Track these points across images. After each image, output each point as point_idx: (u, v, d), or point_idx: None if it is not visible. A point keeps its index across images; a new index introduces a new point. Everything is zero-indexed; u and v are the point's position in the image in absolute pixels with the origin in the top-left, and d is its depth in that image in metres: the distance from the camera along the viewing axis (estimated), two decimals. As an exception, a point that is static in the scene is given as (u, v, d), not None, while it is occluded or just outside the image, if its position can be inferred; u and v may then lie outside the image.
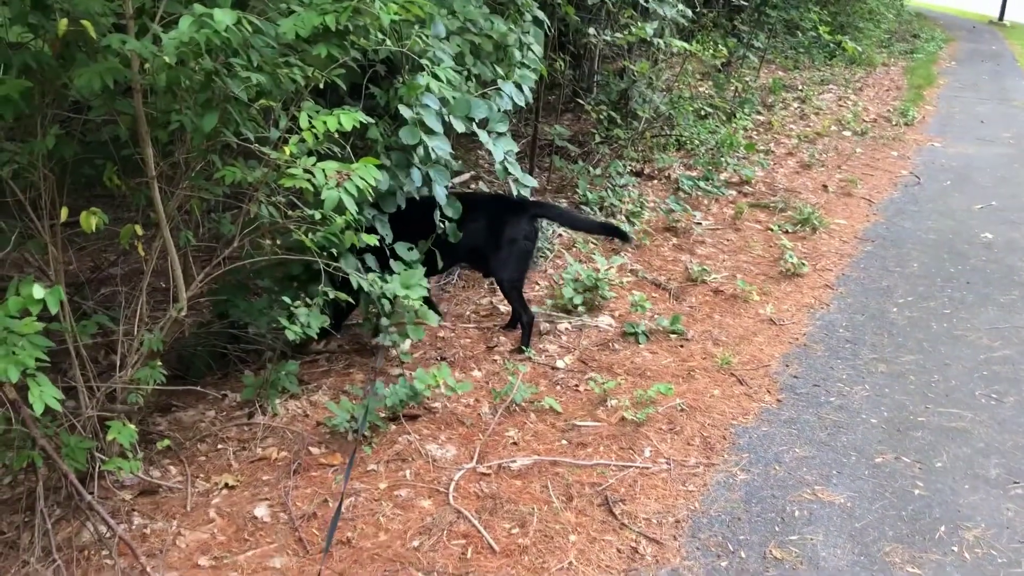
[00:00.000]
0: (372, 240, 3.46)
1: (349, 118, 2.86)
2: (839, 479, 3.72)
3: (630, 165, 8.20)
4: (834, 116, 11.52)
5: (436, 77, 3.67)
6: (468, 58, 4.90)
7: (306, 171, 2.84)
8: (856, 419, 4.21)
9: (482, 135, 4.49)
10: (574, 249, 6.29)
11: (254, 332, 4.37)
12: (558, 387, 4.45)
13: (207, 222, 3.66)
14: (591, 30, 6.73)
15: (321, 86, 3.35)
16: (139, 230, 3.38)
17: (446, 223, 4.62)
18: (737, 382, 4.54)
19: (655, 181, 8.18)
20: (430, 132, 4.19)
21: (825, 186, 8.36)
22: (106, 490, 3.52)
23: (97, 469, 3.40)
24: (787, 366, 4.75)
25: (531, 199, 4.99)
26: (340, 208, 2.95)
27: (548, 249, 6.23)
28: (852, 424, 4.16)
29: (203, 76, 2.88)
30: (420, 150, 4.14)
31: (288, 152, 2.90)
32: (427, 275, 4.59)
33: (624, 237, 5.33)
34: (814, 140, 10.15)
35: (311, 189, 2.88)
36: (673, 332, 5.05)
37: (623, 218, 6.96)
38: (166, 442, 3.56)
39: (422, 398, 4.11)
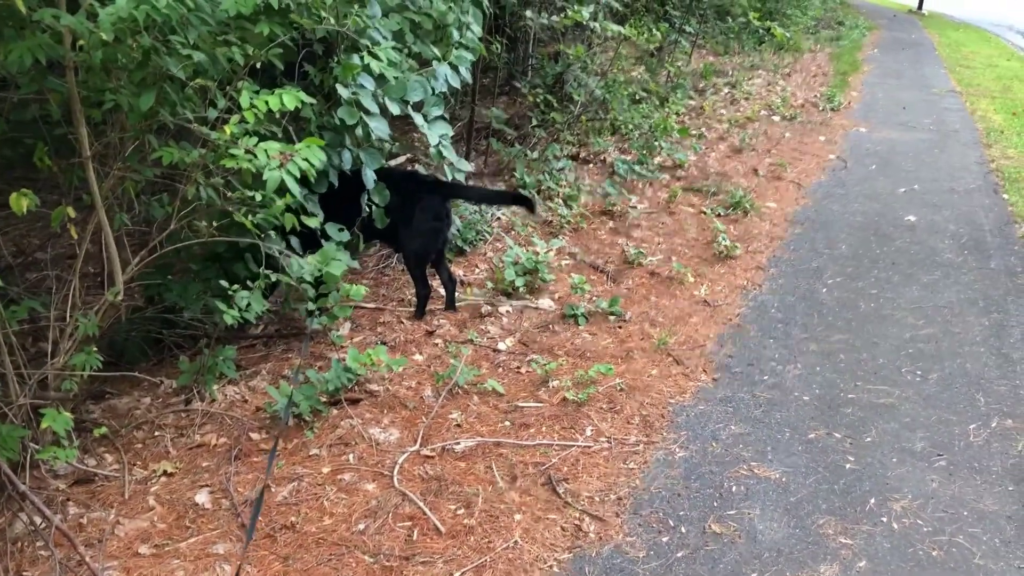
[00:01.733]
0: (314, 222, 3.42)
1: (292, 97, 2.82)
2: (774, 455, 3.82)
3: (566, 149, 8.23)
4: (763, 101, 11.72)
5: (375, 57, 3.63)
6: (408, 36, 4.86)
7: (247, 151, 2.80)
8: (789, 397, 4.32)
9: (417, 118, 4.47)
10: (513, 232, 6.31)
11: (189, 317, 4.29)
12: (500, 369, 4.48)
13: (140, 204, 3.57)
14: (527, 12, 6.74)
15: (258, 65, 3.30)
16: (71, 212, 3.29)
17: (372, 208, 4.60)
18: (674, 362, 4.61)
19: (591, 165, 8.24)
20: (367, 112, 4.16)
21: (756, 170, 8.52)
22: (39, 480, 3.44)
23: (29, 458, 3.32)
24: (722, 346, 4.85)
25: (444, 180, 5.00)
26: (281, 189, 2.91)
27: (487, 232, 6.24)
28: (785, 402, 4.27)
29: (140, 54, 2.81)
30: (359, 130, 4.11)
31: (229, 132, 2.84)
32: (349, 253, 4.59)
33: (530, 206, 5.30)
34: (744, 125, 10.31)
35: (251, 170, 2.84)
36: (612, 314, 5.11)
37: (560, 202, 7.00)
38: (103, 430, 3.48)
39: (360, 379, 4.09)
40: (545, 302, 5.28)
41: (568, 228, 6.51)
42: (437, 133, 4.58)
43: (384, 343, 4.68)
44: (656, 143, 8.49)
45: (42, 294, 3.96)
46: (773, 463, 3.76)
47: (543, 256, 5.47)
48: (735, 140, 9.46)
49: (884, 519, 3.39)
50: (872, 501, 3.51)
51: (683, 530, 3.29)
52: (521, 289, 5.26)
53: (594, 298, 5.32)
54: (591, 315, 5.10)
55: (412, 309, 5.09)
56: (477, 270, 5.77)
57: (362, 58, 3.67)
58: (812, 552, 3.19)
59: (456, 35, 5.11)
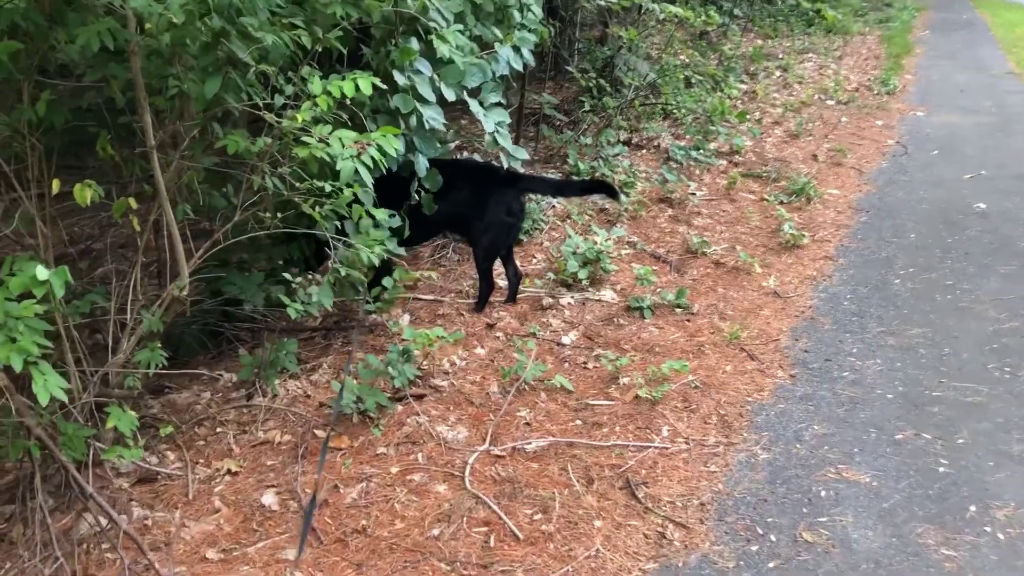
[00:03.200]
0: (382, 214, 3.28)
1: (367, 82, 2.67)
2: (862, 457, 3.63)
3: (619, 134, 8.03)
4: (817, 85, 11.41)
5: (443, 39, 3.47)
6: (469, 18, 4.72)
7: (321, 140, 2.65)
8: (872, 394, 4.12)
9: (473, 105, 4.31)
10: (570, 220, 6.13)
11: (250, 310, 4.18)
12: (566, 364, 4.32)
13: (202, 194, 3.45)
14: (583, -5, 6.55)
15: (319, 49, 3.15)
16: (133, 203, 3.18)
17: (422, 194, 4.46)
18: (748, 357, 4.43)
19: (644, 151, 8.03)
20: (423, 100, 4.01)
21: (815, 156, 8.26)
22: (102, 478, 3.35)
23: (93, 457, 3.21)
24: (796, 340, 4.65)
25: (520, 172, 4.85)
26: (354, 179, 2.77)
27: (543, 221, 6.07)
28: (868, 399, 4.07)
29: (210, 36, 2.67)
30: (413, 119, 3.96)
31: (300, 119, 2.70)
32: (409, 244, 4.48)
33: (614, 194, 5.14)
34: (799, 109, 10.03)
35: (326, 159, 2.70)
36: (678, 306, 4.93)
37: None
38: (169, 428, 3.38)
39: (423, 372, 3.97)
40: (608, 294, 5.11)
41: (626, 216, 6.32)
42: (494, 120, 4.41)
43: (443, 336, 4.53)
44: (712, 128, 8.26)
45: (99, 287, 3.86)
46: (861, 466, 3.57)
47: (603, 245, 5.29)
48: (791, 125, 9.20)
49: (988, 528, 3.19)
50: (972, 508, 3.30)
51: (773, 538, 3.12)
52: (583, 280, 5.09)
53: (659, 289, 5.14)
54: (657, 308, 4.92)
55: (471, 301, 4.94)
56: (535, 260, 5.61)
57: (428, 42, 3.50)
58: (913, 564, 3.00)
59: (517, 16, 4.95)
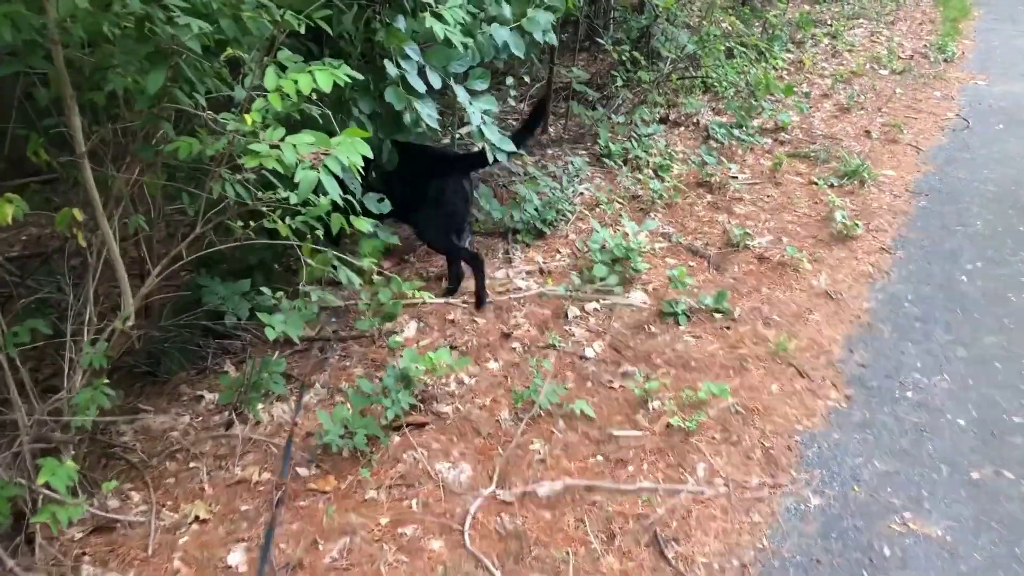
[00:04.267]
0: (365, 225, 2.78)
1: (326, 76, 2.16)
2: (932, 503, 3.10)
3: (655, 111, 7.45)
4: (868, 53, 10.68)
5: (439, 18, 2.95)
6: None
7: (272, 147, 2.16)
8: (940, 420, 3.58)
9: (460, 92, 3.80)
10: (599, 210, 5.60)
11: (231, 325, 3.73)
12: (589, 383, 3.81)
13: (178, 197, 2.99)
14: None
15: (302, 29, 2.65)
16: (78, 214, 2.73)
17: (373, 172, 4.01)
18: (797, 373, 3.90)
19: (682, 128, 7.44)
20: (413, 93, 3.51)
21: (867, 132, 7.61)
22: (49, 528, 2.92)
23: (37, 507, 2.79)
24: (852, 351, 4.10)
25: (468, 151, 4.39)
26: (321, 190, 2.28)
27: (568, 211, 5.54)
28: (937, 427, 3.53)
29: (134, 23, 2.18)
30: (407, 116, 3.46)
31: (251, 121, 2.21)
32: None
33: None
34: (850, 80, 9.34)
35: (279, 168, 2.21)
36: (718, 311, 4.39)
37: (650, 172, 6.26)
38: (112, 484, 2.94)
39: (425, 392, 3.49)
40: (638, 296, 4.58)
41: (660, 204, 5.77)
42: (479, 110, 3.89)
43: (453, 347, 4.06)
44: (755, 103, 7.64)
45: (48, 309, 3.44)
46: (932, 514, 3.04)
47: (634, 241, 4.76)
48: (841, 98, 8.53)
49: (1091, 603, 2.66)
50: (1071, 575, 2.77)
51: (828, 614, 2.62)
52: (611, 282, 4.57)
53: (696, 290, 4.61)
54: (693, 313, 4.39)
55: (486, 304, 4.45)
56: (559, 256, 5.09)
57: (421, 19, 2.99)
58: (1002, 652, 2.49)
59: (537, -12, 4.41)
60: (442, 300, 4.45)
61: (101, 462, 3.31)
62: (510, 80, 6.47)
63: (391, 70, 3.43)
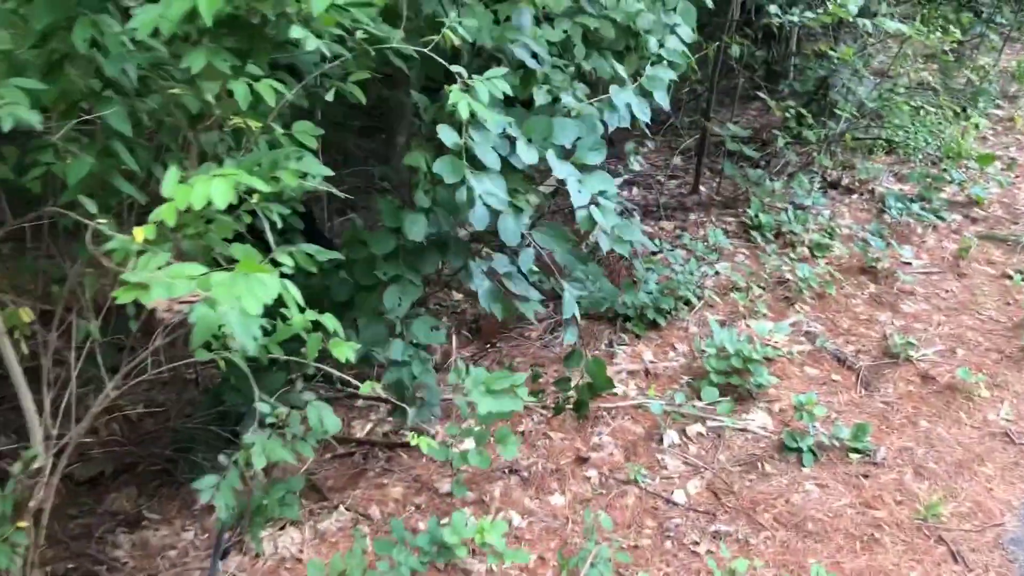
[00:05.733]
0: (346, 351, 2.17)
1: (225, 185, 1.56)
2: None
3: (823, 175, 6.48)
4: (1099, 111, 9.16)
5: (471, 92, 2.31)
6: (578, 48, 3.57)
7: (140, 284, 1.58)
8: None
9: (559, 167, 3.12)
10: (730, 298, 4.76)
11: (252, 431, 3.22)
12: (668, 542, 3.03)
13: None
14: (772, 7, 5.11)
15: (273, 103, 2.08)
16: (26, 315, 2.28)
17: None
18: (949, 555, 2.96)
19: (854, 197, 6.43)
20: (480, 168, 2.88)
21: (1088, 211, 6.33)
22: None
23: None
24: (1031, 528, 3.11)
25: None
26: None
27: (694, 295, 4.74)
28: None
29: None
30: (462, 192, 2.83)
31: (141, 239, 1.65)
32: None
33: None
34: (1072, 143, 7.96)
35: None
36: (856, 450, 3.50)
37: (804, 250, 5.35)
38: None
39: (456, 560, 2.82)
40: (759, 418, 3.75)
41: (810, 293, 4.85)
42: (589, 191, 3.20)
43: (515, 471, 3.38)
44: (945, 170, 6.52)
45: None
46: None
47: (759, 348, 3.90)
48: (1058, 166, 7.22)
49: None
50: None
51: None
52: (722, 409, 3.73)
53: (833, 417, 3.72)
54: (823, 449, 3.51)
55: (559, 407, 3.74)
56: (672, 354, 4.31)
57: (443, 97, 2.37)
58: None
59: (653, 44, 3.71)
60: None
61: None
62: (630, 146, 5.72)
63: (447, 138, 2.82)
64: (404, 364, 3.38)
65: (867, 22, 5.22)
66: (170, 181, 1.61)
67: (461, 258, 3.50)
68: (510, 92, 2.43)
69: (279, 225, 2.02)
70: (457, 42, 2.43)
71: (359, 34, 2.23)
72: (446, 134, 2.79)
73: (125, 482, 3.44)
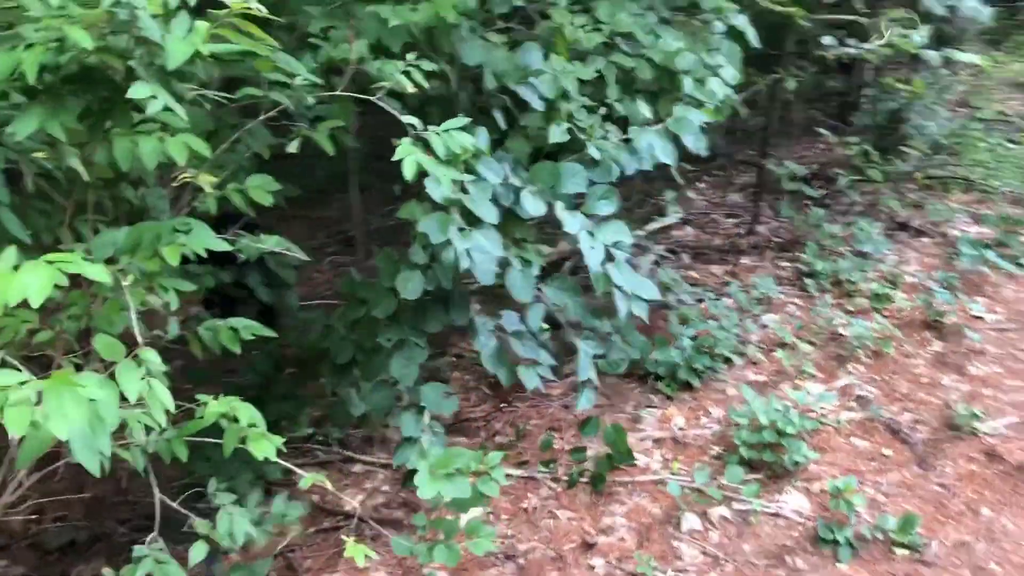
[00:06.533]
0: (267, 450, 1.88)
1: (43, 279, 1.26)
2: None
3: (890, 217, 5.99)
4: None
5: (426, 145, 2.02)
6: (611, 89, 3.29)
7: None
8: None
9: (570, 221, 2.81)
10: (775, 356, 4.34)
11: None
12: (673, 656, 2.66)
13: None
14: (826, 39, 4.70)
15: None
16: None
17: None
18: None
19: (924, 240, 5.91)
20: (475, 222, 2.59)
21: None
22: None
23: None
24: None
25: None
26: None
27: (736, 351, 4.34)
28: None
29: None
30: (450, 252, 2.54)
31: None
32: None
33: None
34: None
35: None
36: (902, 544, 3.06)
37: (863, 301, 4.88)
38: None
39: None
40: (793, 500, 3.34)
41: (865, 351, 4.39)
42: (604, 241, 2.88)
43: (510, 556, 3.05)
44: (1028, 213, 5.97)
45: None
46: None
47: (797, 420, 3.48)
48: None
49: None
50: None
51: None
52: (747, 492, 3.31)
53: (879, 500, 3.29)
54: (864, 542, 3.08)
55: (572, 479, 3.40)
56: (705, 420, 3.92)
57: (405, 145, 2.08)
58: None
59: (688, 85, 3.39)
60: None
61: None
62: (670, 194, 5.34)
63: (434, 191, 2.53)
64: (414, 441, 3.11)
65: (934, 54, 4.75)
66: (3, 267, 1.34)
67: (464, 315, 3.21)
68: (471, 145, 2.11)
69: (173, 305, 1.75)
70: (411, 88, 2.14)
71: (298, 80, 1.97)
72: (434, 188, 2.51)
73: (96, 552, 3.22)
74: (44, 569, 3.19)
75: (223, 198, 2.26)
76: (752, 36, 3.86)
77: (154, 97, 1.48)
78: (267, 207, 3.09)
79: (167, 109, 1.52)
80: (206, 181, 2.18)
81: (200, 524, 2.28)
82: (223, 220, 2.47)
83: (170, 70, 1.48)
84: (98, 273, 1.35)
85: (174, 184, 2.26)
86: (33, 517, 3.37)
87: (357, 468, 3.65)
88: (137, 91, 1.47)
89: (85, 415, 1.22)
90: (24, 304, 1.76)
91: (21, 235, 1.74)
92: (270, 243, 2.23)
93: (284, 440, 2.62)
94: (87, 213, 1.92)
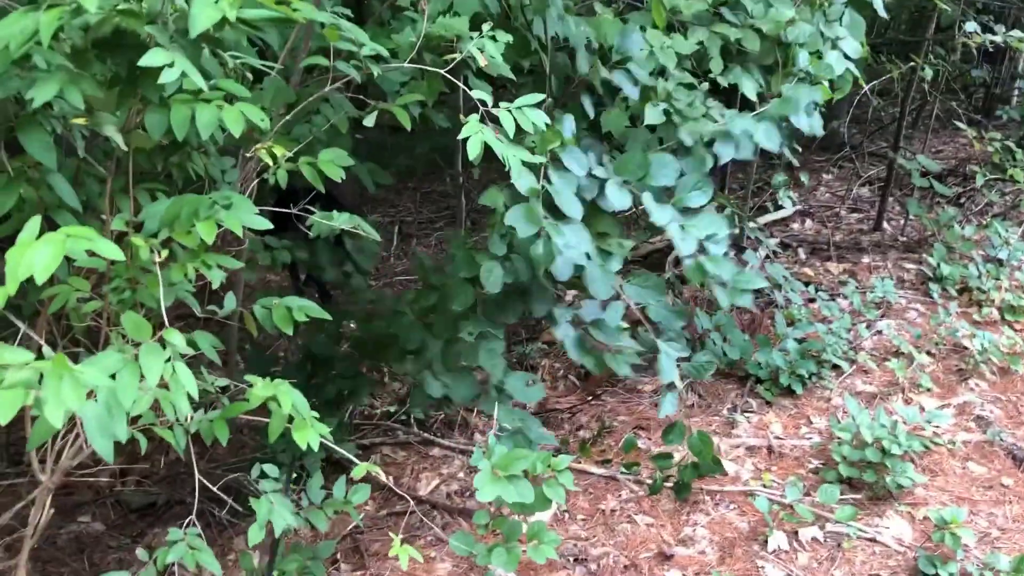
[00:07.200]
0: (311, 438, 1.79)
1: (51, 254, 1.19)
2: None
3: (1029, 220, 5.55)
4: None
5: (495, 121, 1.87)
6: (715, 62, 3.08)
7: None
8: None
9: (659, 213, 2.62)
10: (888, 365, 4.04)
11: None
12: None
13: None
14: (970, 25, 4.29)
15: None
16: None
17: None
18: None
19: (1069, 247, 5.43)
20: (561, 217, 2.45)
21: None
22: None
23: None
24: None
25: None
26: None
27: (845, 356, 4.05)
28: None
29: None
30: (538, 245, 2.40)
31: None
32: None
33: None
34: None
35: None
36: (1013, 587, 2.78)
37: (993, 312, 4.51)
38: None
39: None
40: (895, 526, 3.07)
41: (989, 367, 4.04)
42: (696, 235, 2.68)
43: (582, 560, 2.91)
44: None
45: None
46: None
47: (905, 440, 3.20)
48: None
49: None
50: None
51: None
52: (842, 515, 3.06)
53: (992, 535, 3.00)
54: (971, 581, 2.82)
55: (655, 485, 3.22)
56: (805, 430, 3.67)
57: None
58: None
59: (803, 59, 3.13)
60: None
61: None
62: (779, 178, 5.02)
63: (522, 182, 2.40)
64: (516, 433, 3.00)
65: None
66: (25, 237, 1.27)
67: (544, 307, 3.06)
68: (543, 125, 1.95)
69: (215, 283, 1.67)
70: (483, 63, 2.00)
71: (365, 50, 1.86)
72: (521, 178, 2.38)
73: (173, 515, 3.25)
74: (124, 528, 3.24)
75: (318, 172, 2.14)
76: (879, 5, 3.52)
77: (171, 65, 1.39)
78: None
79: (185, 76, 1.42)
80: (280, 152, 2.10)
81: (255, 503, 2.22)
82: (317, 196, 2.37)
83: (193, 37, 1.38)
84: (109, 250, 1.27)
85: (247, 155, 2.19)
86: (122, 480, 3.48)
87: (435, 452, 3.57)
88: (151, 58, 1.38)
89: (83, 401, 1.15)
90: (78, 270, 1.76)
91: (74, 202, 1.69)
92: (340, 220, 2.13)
93: (339, 422, 2.55)
94: (148, 182, 1.87)
